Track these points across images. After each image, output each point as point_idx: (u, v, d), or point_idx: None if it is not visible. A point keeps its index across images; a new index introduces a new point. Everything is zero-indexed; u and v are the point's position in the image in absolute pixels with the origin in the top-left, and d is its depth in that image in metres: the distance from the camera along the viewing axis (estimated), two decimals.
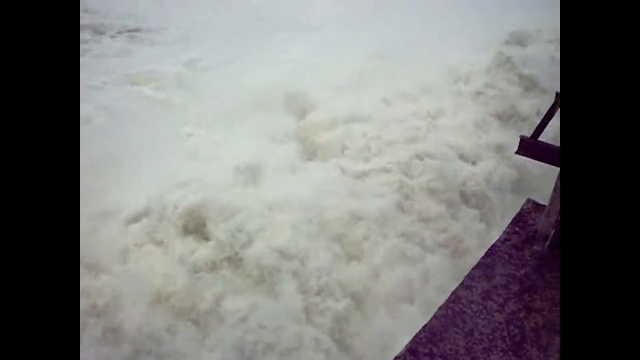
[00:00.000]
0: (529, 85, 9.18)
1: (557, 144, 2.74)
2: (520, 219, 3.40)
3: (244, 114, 7.94)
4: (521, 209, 3.50)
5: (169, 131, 7.79)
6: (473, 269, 2.89)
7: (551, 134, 3.36)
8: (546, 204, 3.13)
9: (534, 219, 3.34)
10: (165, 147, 7.18)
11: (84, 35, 11.57)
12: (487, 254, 3.02)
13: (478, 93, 8.91)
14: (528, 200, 3.58)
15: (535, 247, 3.06)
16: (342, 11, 14.18)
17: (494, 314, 2.61)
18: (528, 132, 3.43)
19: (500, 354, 2.43)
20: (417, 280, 5.62)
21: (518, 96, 8.91)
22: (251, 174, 6.32)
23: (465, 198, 6.89)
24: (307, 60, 10.07)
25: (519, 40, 10.56)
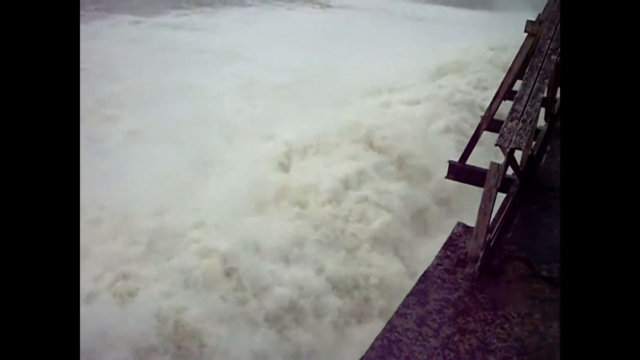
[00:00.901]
0: None
1: None
2: (451, 243, 3.49)
3: None
4: (452, 233, 3.60)
5: None
6: (407, 296, 2.92)
7: None
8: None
9: (465, 242, 3.44)
10: None
11: None
12: (420, 280, 3.06)
13: None
14: (458, 224, 3.69)
15: (466, 270, 3.14)
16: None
17: (430, 339, 2.64)
18: None
19: None
20: None
21: None
22: None
23: None
24: None
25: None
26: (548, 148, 5.42)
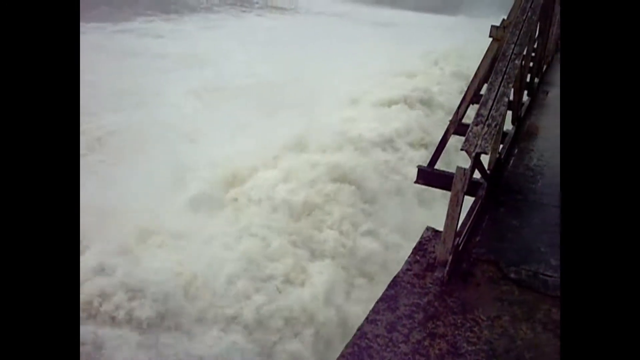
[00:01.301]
0: None
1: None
2: (420, 248, 3.52)
3: None
4: (421, 238, 3.63)
5: None
6: (377, 302, 2.93)
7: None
8: None
9: (434, 246, 3.48)
10: None
11: None
12: (390, 286, 3.08)
13: None
14: (427, 229, 3.73)
15: (436, 274, 3.18)
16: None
17: (400, 345, 2.65)
18: None
19: None
20: None
21: None
22: None
23: None
24: None
25: None
26: (515, 151, 5.54)
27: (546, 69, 10.11)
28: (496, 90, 3.39)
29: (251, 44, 15.64)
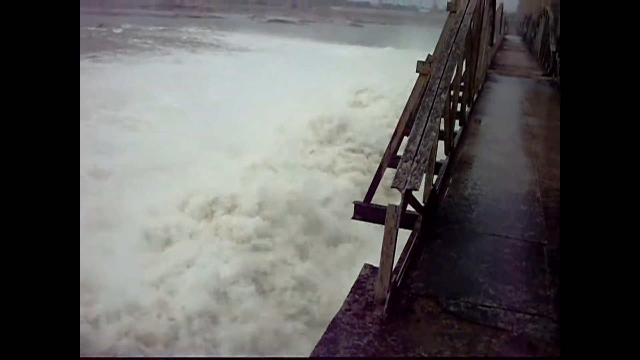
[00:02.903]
0: None
1: None
2: (359, 286, 3.56)
3: None
4: (359, 276, 3.68)
5: None
6: (316, 346, 2.93)
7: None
8: None
9: (372, 284, 3.54)
10: None
11: None
12: (329, 329, 3.09)
13: None
14: (365, 266, 3.78)
15: (375, 313, 3.22)
16: None
17: None
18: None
19: None
20: None
21: None
22: None
23: None
24: None
25: None
26: (450, 181, 5.75)
27: (477, 97, 10.63)
28: (424, 125, 3.54)
29: (178, 82, 15.97)
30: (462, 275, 3.77)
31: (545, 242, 4.35)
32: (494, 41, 17.97)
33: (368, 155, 11.37)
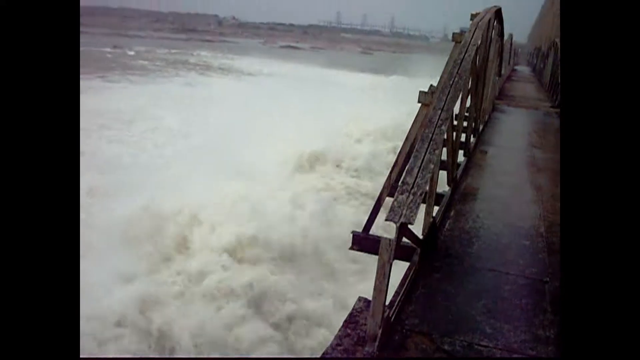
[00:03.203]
0: None
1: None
2: (352, 320, 3.47)
3: None
4: (352, 309, 3.59)
5: None
6: None
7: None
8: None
9: (366, 318, 3.44)
10: None
11: None
12: None
13: None
14: (359, 299, 3.69)
15: (366, 349, 3.12)
16: None
17: None
18: None
19: None
20: None
21: None
22: None
23: None
24: None
25: None
26: (451, 213, 5.67)
27: (483, 128, 10.60)
28: (422, 157, 3.49)
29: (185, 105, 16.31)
30: (458, 312, 3.67)
31: (547, 279, 4.24)
32: (503, 72, 18.03)
33: (363, 195, 11.27)
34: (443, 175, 6.36)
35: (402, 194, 3.16)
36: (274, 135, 12.82)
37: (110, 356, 5.75)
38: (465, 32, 6.06)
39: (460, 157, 7.82)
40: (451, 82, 4.59)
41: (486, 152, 8.84)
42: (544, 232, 5.29)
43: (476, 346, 3.31)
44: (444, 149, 5.87)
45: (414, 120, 4.61)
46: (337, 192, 10.67)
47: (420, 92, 4.58)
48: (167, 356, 5.99)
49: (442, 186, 6.62)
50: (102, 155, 11.50)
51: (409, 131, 4.64)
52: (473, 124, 8.61)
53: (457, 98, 4.64)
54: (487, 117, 11.50)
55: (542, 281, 4.22)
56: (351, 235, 4.81)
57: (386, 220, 3.05)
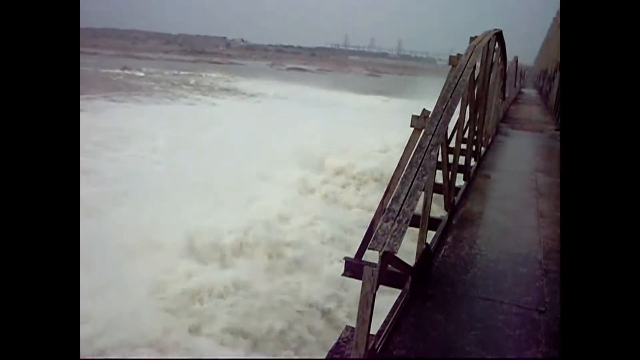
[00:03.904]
0: None
1: None
2: (337, 350, 3.39)
3: None
4: (339, 338, 3.51)
5: None
6: None
7: None
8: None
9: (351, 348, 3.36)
10: None
11: None
12: None
13: None
14: (347, 328, 3.61)
15: None
16: None
17: None
18: None
19: None
20: None
21: None
22: None
23: None
24: None
25: None
26: (448, 239, 5.59)
27: (486, 152, 10.53)
28: (409, 184, 3.43)
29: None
30: (448, 343, 3.58)
31: (543, 309, 4.14)
32: (508, 94, 18.00)
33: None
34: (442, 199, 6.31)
35: (387, 221, 3.10)
36: (275, 155, 12.87)
37: (110, 357, 5.71)
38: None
39: (461, 181, 7.75)
40: (444, 107, 4.55)
41: (489, 177, 8.76)
42: (542, 259, 5.19)
43: None
44: (441, 173, 5.82)
45: (406, 146, 4.56)
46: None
47: (412, 116, 4.53)
48: (167, 357, 5.90)
49: (442, 211, 6.56)
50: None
51: (401, 157, 4.59)
52: (474, 147, 8.56)
53: (449, 122, 4.60)
54: (490, 140, 11.44)
55: (538, 310, 4.13)
56: (343, 261, 4.73)
57: (368, 249, 2.98)
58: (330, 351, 3.36)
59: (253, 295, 7.45)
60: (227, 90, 34.96)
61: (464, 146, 7.93)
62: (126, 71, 47.32)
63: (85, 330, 5.60)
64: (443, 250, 5.22)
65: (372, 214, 4.77)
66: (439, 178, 5.66)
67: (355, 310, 3.04)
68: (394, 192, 3.39)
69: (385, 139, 14.14)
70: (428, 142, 3.96)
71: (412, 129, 4.60)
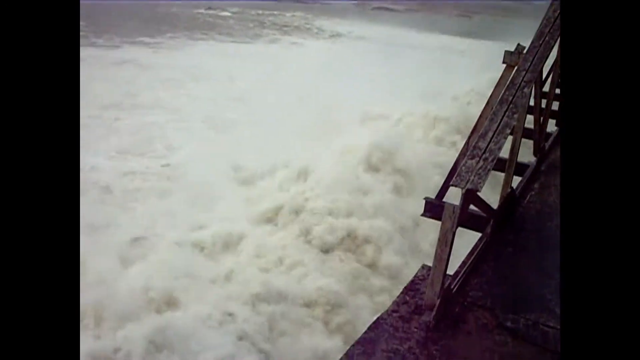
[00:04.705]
0: None
1: None
2: (412, 287, 3.38)
3: None
4: (414, 276, 3.49)
5: None
6: (353, 345, 2.81)
7: None
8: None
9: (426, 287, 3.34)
10: None
11: None
12: (370, 328, 2.94)
13: None
14: (423, 267, 3.58)
15: (422, 318, 3.03)
16: None
17: None
18: None
19: None
20: None
21: None
22: None
23: None
24: None
25: None
26: (535, 185, 5.34)
27: None
28: (498, 121, 3.27)
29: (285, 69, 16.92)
30: (527, 289, 3.48)
31: None
32: None
33: None
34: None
35: (472, 158, 2.98)
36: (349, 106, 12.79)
37: None
38: None
39: (553, 127, 7.32)
40: (541, 42, 4.25)
41: None
42: None
43: (542, 326, 3.12)
44: (532, 117, 5.51)
45: (497, 83, 4.32)
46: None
47: (505, 51, 4.26)
48: None
49: (530, 157, 6.26)
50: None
51: (491, 95, 4.37)
52: None
53: (547, 59, 4.29)
54: None
55: None
56: (424, 201, 4.65)
57: (451, 185, 2.90)
58: (405, 288, 3.35)
59: None
60: (311, 29, 34.72)
61: (559, 91, 7.44)
62: (210, 10, 47.77)
63: None
64: (529, 197, 5.00)
65: None
66: (530, 124, 5.38)
67: None
68: (482, 130, 3.25)
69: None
70: (521, 79, 3.73)
71: (504, 65, 4.35)
